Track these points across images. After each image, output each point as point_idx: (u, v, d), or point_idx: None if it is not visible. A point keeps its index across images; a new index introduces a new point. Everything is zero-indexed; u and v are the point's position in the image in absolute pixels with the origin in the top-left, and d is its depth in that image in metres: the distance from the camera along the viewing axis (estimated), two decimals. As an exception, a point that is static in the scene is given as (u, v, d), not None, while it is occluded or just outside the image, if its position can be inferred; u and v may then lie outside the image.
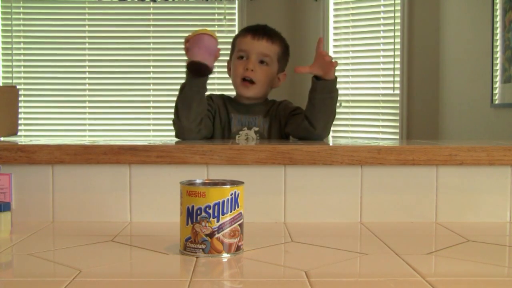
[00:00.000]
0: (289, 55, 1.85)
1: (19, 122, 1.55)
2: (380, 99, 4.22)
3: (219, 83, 4.37)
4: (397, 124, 4.11)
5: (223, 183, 0.96)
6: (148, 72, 4.72)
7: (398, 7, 4.08)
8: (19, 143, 1.24)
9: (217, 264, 0.89)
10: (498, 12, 3.21)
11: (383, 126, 4.23)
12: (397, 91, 4.10)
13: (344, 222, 1.21)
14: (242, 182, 0.95)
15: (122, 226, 1.16)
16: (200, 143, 1.28)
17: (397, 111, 4.11)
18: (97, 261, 0.92)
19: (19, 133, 1.55)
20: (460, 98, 3.73)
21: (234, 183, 0.95)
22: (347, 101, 4.26)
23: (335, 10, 4.40)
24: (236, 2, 4.62)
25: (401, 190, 1.22)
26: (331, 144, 1.42)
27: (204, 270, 0.86)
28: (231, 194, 0.91)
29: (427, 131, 4.01)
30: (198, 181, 0.99)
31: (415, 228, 1.17)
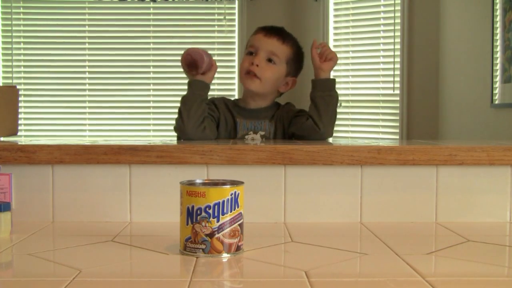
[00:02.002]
0: (301, 62, 1.84)
1: (19, 122, 1.55)
2: (380, 99, 4.22)
3: (219, 83, 4.39)
4: (397, 124, 4.11)
5: (223, 183, 0.96)
6: (148, 72, 4.71)
7: (398, 7, 4.08)
8: (19, 143, 1.24)
9: (217, 264, 0.89)
10: (498, 12, 3.20)
11: (383, 126, 4.23)
12: (397, 91, 4.10)
13: (344, 222, 1.21)
14: (242, 182, 0.95)
15: (122, 226, 1.16)
16: (200, 143, 1.28)
17: (397, 111, 4.11)
18: (97, 261, 0.92)
19: (19, 133, 1.55)
20: (460, 98, 3.73)
21: (234, 183, 0.95)
22: (347, 101, 4.26)
23: (335, 10, 4.40)
24: (236, 2, 4.62)
25: (401, 190, 1.22)
26: (331, 144, 1.42)
27: (204, 270, 0.86)
28: (231, 194, 0.91)
29: (427, 131, 4.01)
30: (198, 181, 0.99)
31: (415, 228, 1.17)
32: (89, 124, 4.76)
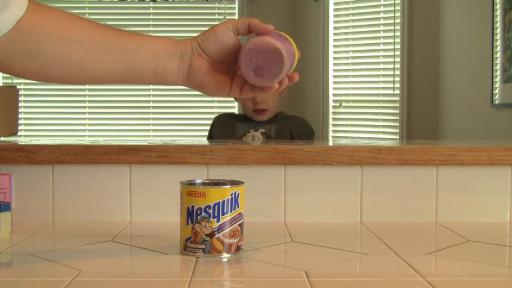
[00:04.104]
0: None
1: (19, 122, 1.55)
2: (380, 99, 4.22)
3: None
4: (397, 124, 4.11)
5: (223, 183, 0.96)
6: (148, 72, 4.71)
7: (398, 7, 4.08)
8: (19, 143, 1.24)
9: (217, 264, 0.89)
10: (498, 12, 3.21)
11: (383, 126, 4.23)
12: (397, 91, 4.10)
13: (344, 222, 1.21)
14: (242, 182, 0.95)
15: (122, 226, 1.16)
16: (200, 143, 1.28)
17: (397, 111, 4.11)
18: (97, 261, 0.92)
19: (19, 133, 1.55)
20: (460, 98, 3.73)
21: (234, 183, 0.95)
22: (347, 101, 4.26)
23: (335, 10, 4.40)
24: (236, 2, 4.62)
25: (401, 190, 1.22)
26: (331, 144, 1.42)
27: (204, 270, 0.86)
28: (231, 194, 0.91)
29: (427, 131, 4.01)
30: (198, 181, 0.99)
31: (415, 228, 1.17)
32: (89, 124, 4.76)
